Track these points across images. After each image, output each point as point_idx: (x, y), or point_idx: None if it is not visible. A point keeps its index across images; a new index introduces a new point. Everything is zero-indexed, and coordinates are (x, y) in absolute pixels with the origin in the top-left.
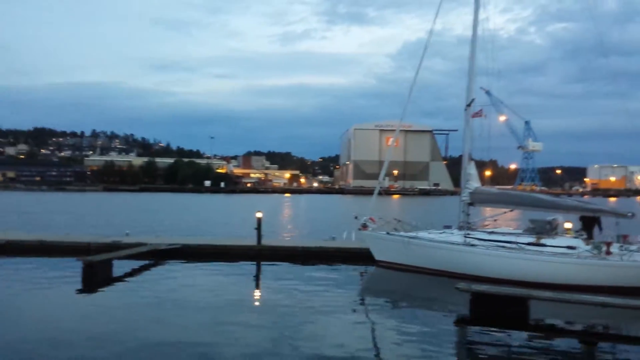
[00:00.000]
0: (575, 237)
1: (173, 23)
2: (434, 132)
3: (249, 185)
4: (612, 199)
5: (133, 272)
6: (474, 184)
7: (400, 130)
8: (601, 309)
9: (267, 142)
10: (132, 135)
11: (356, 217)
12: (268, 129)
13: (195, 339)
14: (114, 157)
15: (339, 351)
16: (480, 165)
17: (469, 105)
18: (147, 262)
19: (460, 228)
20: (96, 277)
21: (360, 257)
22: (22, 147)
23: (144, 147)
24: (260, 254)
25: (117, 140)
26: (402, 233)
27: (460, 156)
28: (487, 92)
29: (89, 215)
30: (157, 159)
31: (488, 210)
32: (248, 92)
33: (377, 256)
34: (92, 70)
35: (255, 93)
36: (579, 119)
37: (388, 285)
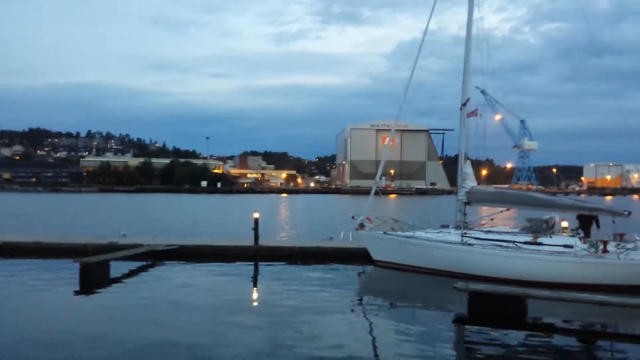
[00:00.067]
0: (572, 236)
1: (169, 23)
2: (430, 131)
3: (245, 185)
4: (609, 198)
5: (130, 273)
6: (470, 183)
7: (396, 130)
8: (599, 308)
9: (264, 142)
10: (128, 135)
11: (353, 217)
12: (264, 129)
13: (193, 340)
14: (109, 157)
15: (337, 352)
16: (477, 165)
17: (464, 104)
18: (144, 263)
19: (457, 227)
20: (93, 279)
21: (357, 257)
22: (18, 148)
23: (140, 148)
24: (257, 255)
25: (113, 141)
26: (399, 233)
27: (456, 155)
28: (482, 92)
29: (85, 216)
30: (153, 160)
31: (485, 210)
32: (244, 92)
33: (375, 256)
34: (88, 71)
35: (251, 93)
36: (574, 118)
37: (386, 285)
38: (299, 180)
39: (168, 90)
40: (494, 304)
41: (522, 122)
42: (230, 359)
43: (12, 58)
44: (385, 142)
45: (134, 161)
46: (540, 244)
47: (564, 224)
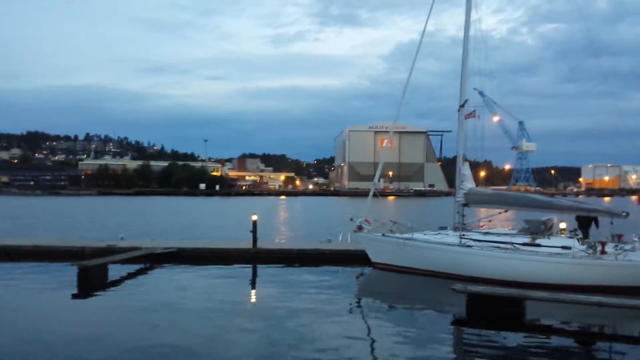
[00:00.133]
0: (570, 237)
1: (166, 25)
2: (428, 133)
3: (244, 187)
4: (607, 199)
5: (128, 276)
6: (469, 184)
7: (395, 132)
8: (597, 309)
9: (262, 145)
10: (126, 138)
11: (351, 219)
12: (263, 131)
13: (191, 342)
14: (108, 160)
15: (336, 354)
16: (475, 166)
17: (462, 106)
18: (142, 266)
19: (455, 229)
20: (91, 282)
21: (356, 259)
22: (16, 151)
23: (138, 151)
24: (256, 257)
25: (111, 144)
26: (397, 234)
27: (455, 157)
28: (481, 93)
29: (83, 219)
30: (152, 162)
31: (483, 211)
32: (242, 94)
33: (373, 258)
34: (86, 74)
35: (249, 95)
36: (572, 119)
37: (384, 287)
38: (298, 182)
39: (166, 93)
40: (492, 306)
41: (520, 123)
42: None
43: (10, 61)
44: (384, 144)
45: (132, 164)
46: (539, 245)
47: (562, 225)
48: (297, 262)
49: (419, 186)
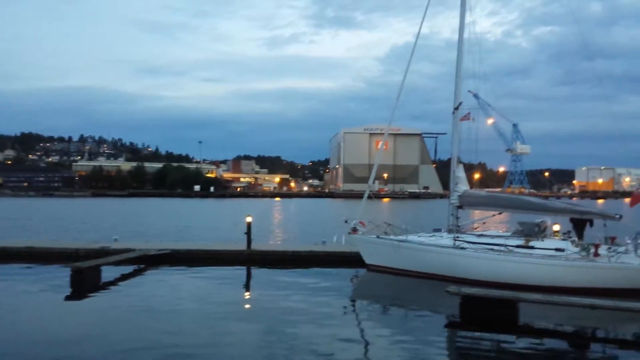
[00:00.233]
0: (564, 239)
1: (160, 27)
2: (423, 135)
3: (238, 189)
4: (600, 201)
5: (122, 278)
6: (463, 187)
7: (390, 134)
8: (590, 311)
9: (257, 146)
10: (120, 140)
11: (346, 221)
12: (257, 133)
13: (184, 345)
14: (102, 162)
15: (330, 356)
16: (469, 168)
17: (456, 108)
18: (136, 267)
19: (449, 231)
20: (85, 284)
21: (350, 261)
22: (9, 152)
23: (133, 152)
24: (250, 259)
25: (105, 145)
26: (392, 236)
27: (449, 159)
28: (475, 95)
29: (77, 221)
30: (146, 164)
31: (477, 213)
32: (237, 96)
33: (367, 260)
34: (80, 75)
35: (244, 97)
36: (566, 122)
37: (378, 289)
38: (292, 184)
39: (160, 95)
40: (486, 308)
41: (515, 125)
42: None
43: (3, 62)
44: (379, 146)
45: (126, 165)
46: (532, 247)
47: (556, 227)
48: (291, 264)
49: (413, 188)
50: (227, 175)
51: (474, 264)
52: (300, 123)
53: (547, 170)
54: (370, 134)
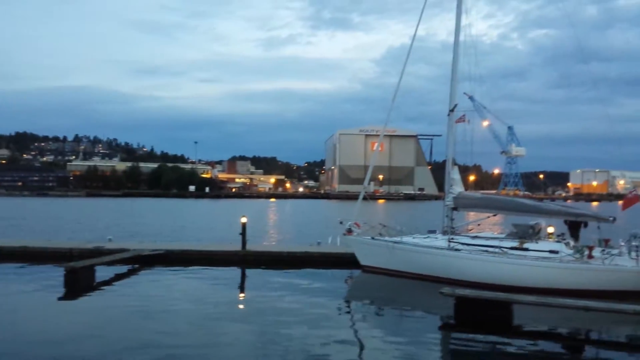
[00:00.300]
0: (558, 241)
1: (157, 27)
2: (419, 137)
3: (233, 190)
4: (595, 204)
5: (116, 278)
6: (458, 188)
7: (385, 135)
8: (584, 313)
9: (252, 147)
10: (115, 140)
11: (341, 222)
12: (253, 133)
13: (178, 345)
14: (97, 162)
15: (324, 358)
16: (464, 170)
17: (452, 110)
18: (130, 267)
19: (444, 233)
20: (79, 283)
21: (345, 262)
22: (4, 152)
23: (128, 152)
24: (244, 260)
25: (100, 145)
26: (386, 238)
27: (445, 161)
28: (471, 98)
29: (71, 220)
30: (141, 164)
31: (472, 215)
32: (233, 97)
33: (362, 261)
34: (76, 75)
35: (241, 98)
36: (561, 124)
37: (373, 290)
38: (288, 185)
39: (156, 95)
40: (480, 310)
41: (510, 128)
42: None
43: (0, 61)
44: (374, 148)
45: (121, 165)
46: (527, 249)
47: (550, 229)
48: (286, 265)
49: (408, 190)
50: (223, 176)
51: (469, 265)
52: (296, 124)
53: (541, 172)
54: (366, 135)
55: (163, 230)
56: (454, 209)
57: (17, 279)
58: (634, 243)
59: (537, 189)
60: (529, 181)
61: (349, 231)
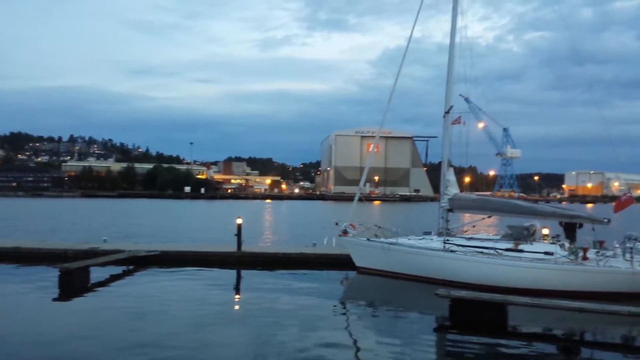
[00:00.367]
0: (553, 243)
1: (152, 28)
2: (414, 138)
3: (229, 191)
4: (589, 205)
5: (111, 279)
6: (453, 190)
7: (381, 137)
8: (578, 314)
9: (248, 148)
10: (110, 140)
11: (337, 224)
12: (249, 134)
13: (173, 347)
14: (92, 162)
15: (319, 358)
16: (460, 172)
17: (447, 112)
18: (125, 269)
19: (439, 234)
20: (73, 285)
21: (340, 263)
22: None
23: (123, 153)
24: (240, 261)
25: (95, 146)
26: (382, 239)
27: (440, 162)
28: (466, 99)
29: (66, 221)
30: (136, 165)
31: (467, 217)
32: (229, 98)
33: (358, 262)
34: (71, 75)
35: (236, 98)
36: (557, 126)
37: (368, 291)
38: (284, 186)
39: (152, 95)
40: (475, 311)
41: (505, 130)
42: None
43: None
44: (370, 149)
45: (116, 166)
46: (521, 251)
47: (545, 231)
48: (281, 266)
49: (404, 191)
50: (218, 177)
51: (464, 267)
52: (292, 125)
53: (537, 174)
54: (362, 136)
55: (158, 232)
56: (450, 210)
57: (11, 279)
58: (628, 245)
59: (532, 191)
60: (524, 183)
61: (345, 232)
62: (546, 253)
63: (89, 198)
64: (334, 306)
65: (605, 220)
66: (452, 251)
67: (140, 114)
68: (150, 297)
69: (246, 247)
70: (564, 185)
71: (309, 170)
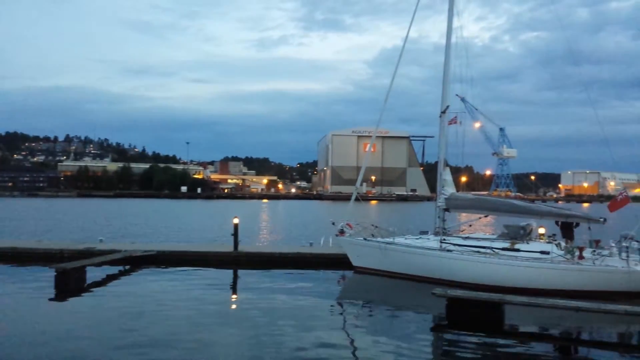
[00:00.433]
0: (549, 242)
1: (149, 27)
2: (411, 138)
3: (226, 191)
4: (585, 205)
5: (107, 279)
6: (450, 189)
7: (378, 137)
8: (574, 313)
9: (245, 148)
10: (107, 140)
11: (333, 223)
12: (245, 134)
13: (169, 347)
14: (88, 162)
15: (316, 358)
16: (456, 171)
17: (443, 112)
18: (121, 269)
19: (436, 234)
20: (69, 285)
21: (337, 262)
22: None
23: (119, 153)
24: (236, 261)
25: (91, 146)
26: (379, 239)
27: (437, 162)
28: (462, 99)
29: (62, 221)
30: (133, 165)
31: (464, 216)
32: (225, 98)
33: (355, 262)
34: (67, 75)
35: (233, 98)
36: (553, 126)
37: (365, 290)
38: (280, 186)
39: (148, 95)
40: (472, 310)
41: (502, 129)
42: None
43: None
44: (367, 149)
45: (112, 166)
46: (518, 250)
47: (541, 230)
48: (278, 266)
49: (401, 191)
50: (215, 177)
51: (460, 266)
52: (288, 125)
53: (533, 173)
54: (359, 136)
55: (155, 231)
56: (446, 210)
57: (7, 280)
58: (624, 244)
59: (529, 190)
60: (521, 182)
61: (341, 232)
62: (542, 252)
63: (85, 198)
64: (331, 306)
65: (601, 219)
66: (448, 250)
67: (136, 113)
68: (146, 297)
69: (243, 247)
70: (560, 185)
71: (306, 170)
